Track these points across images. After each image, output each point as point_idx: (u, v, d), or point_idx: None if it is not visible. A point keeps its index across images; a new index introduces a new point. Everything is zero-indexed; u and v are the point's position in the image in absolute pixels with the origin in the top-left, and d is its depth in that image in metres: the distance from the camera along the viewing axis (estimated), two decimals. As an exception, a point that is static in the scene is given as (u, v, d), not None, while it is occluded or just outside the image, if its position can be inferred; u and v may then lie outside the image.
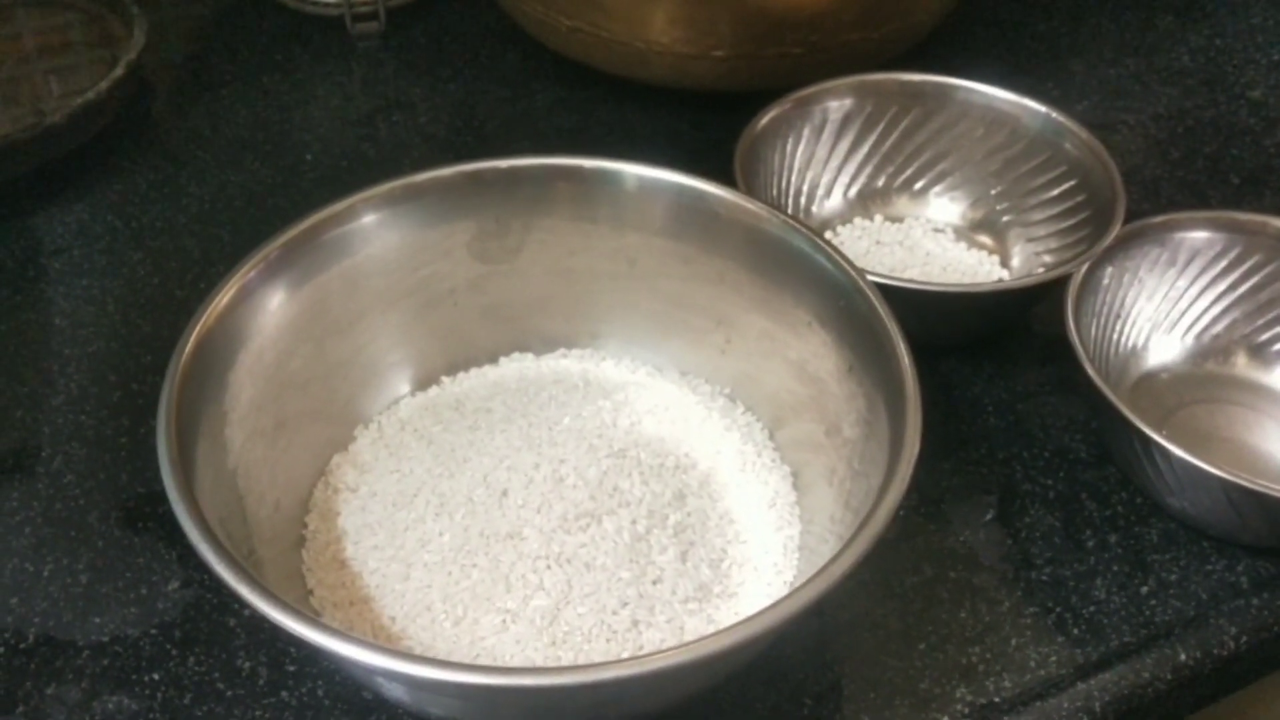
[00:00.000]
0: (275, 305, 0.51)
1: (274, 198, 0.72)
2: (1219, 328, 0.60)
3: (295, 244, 0.51)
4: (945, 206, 0.68)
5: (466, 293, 0.56)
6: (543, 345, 0.58)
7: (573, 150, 0.74)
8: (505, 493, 0.50)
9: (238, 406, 0.48)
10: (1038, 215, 0.65)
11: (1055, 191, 0.64)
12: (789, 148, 0.67)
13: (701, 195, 0.53)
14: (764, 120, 0.65)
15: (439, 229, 0.54)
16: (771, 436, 0.54)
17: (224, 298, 0.48)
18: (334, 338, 0.53)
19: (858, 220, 0.68)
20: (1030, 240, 0.65)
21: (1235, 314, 0.60)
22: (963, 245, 0.67)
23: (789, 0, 0.69)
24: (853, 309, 0.49)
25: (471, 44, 0.85)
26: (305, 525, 0.51)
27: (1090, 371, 0.52)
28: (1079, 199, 0.63)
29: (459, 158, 0.75)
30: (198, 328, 0.46)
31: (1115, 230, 0.58)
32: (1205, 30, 0.86)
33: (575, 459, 0.51)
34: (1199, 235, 0.59)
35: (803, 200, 0.68)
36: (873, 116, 0.67)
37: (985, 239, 0.67)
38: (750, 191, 0.59)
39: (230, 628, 0.50)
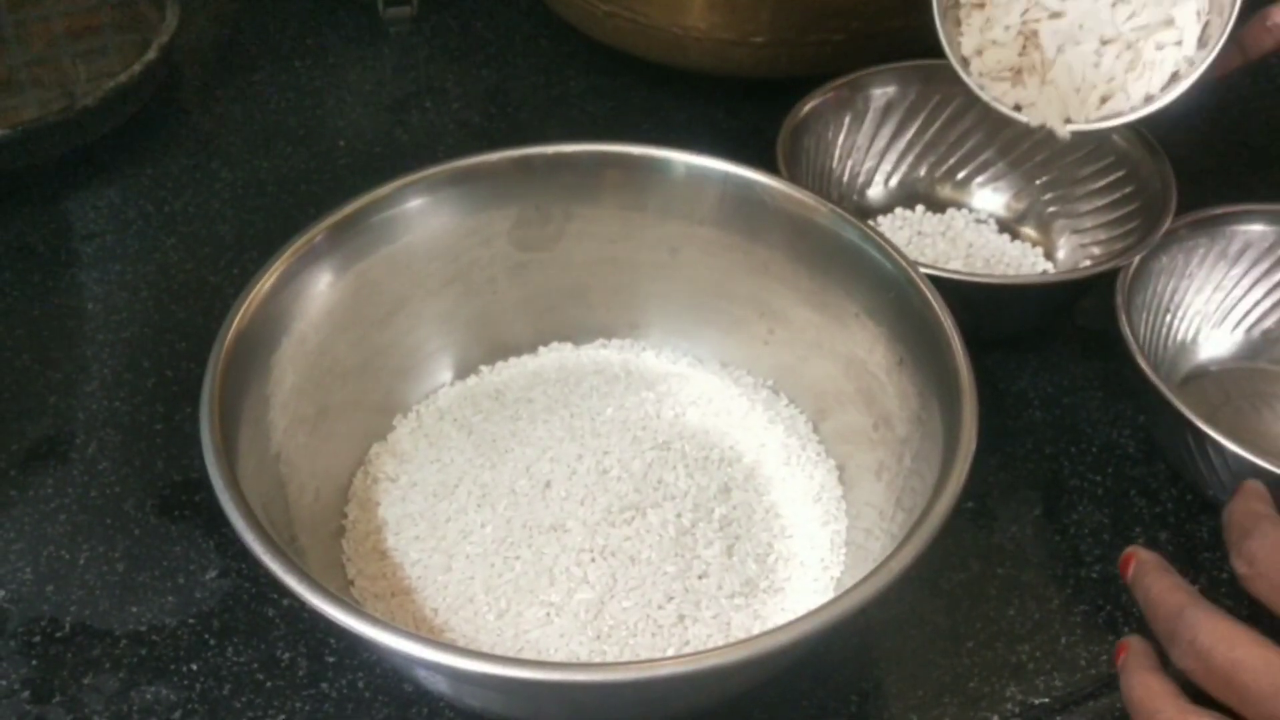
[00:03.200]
0: (319, 290, 0.50)
1: (307, 183, 0.72)
2: (1270, 322, 0.59)
3: (340, 228, 0.50)
4: (989, 197, 0.67)
5: (506, 281, 0.55)
6: (582, 335, 0.57)
7: (609, 138, 0.74)
8: (548, 484, 0.50)
9: (280, 392, 0.48)
10: (1084, 207, 0.64)
11: (1102, 183, 0.63)
12: (830, 136, 0.66)
13: (749, 184, 0.53)
14: (806, 108, 0.64)
15: (480, 216, 0.53)
16: (815, 429, 0.54)
17: (267, 282, 0.47)
18: (375, 324, 0.53)
19: (899, 210, 0.67)
20: (1076, 232, 0.64)
21: (1287, 308, 0.59)
22: (1006, 237, 0.66)
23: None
24: (904, 302, 0.48)
25: (505, 29, 0.84)
26: (345, 515, 0.50)
27: (1143, 365, 0.51)
28: (1127, 190, 0.62)
29: (493, 144, 0.74)
30: (240, 312, 0.46)
31: (1167, 222, 0.57)
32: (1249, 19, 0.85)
33: (619, 451, 0.51)
34: (1252, 228, 0.58)
35: (844, 189, 0.67)
36: (915, 104, 0.66)
37: (1030, 230, 0.66)
38: (792, 180, 0.59)
39: (269, 618, 0.49)
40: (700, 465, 0.51)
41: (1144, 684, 0.40)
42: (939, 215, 0.67)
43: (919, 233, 0.66)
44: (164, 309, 0.63)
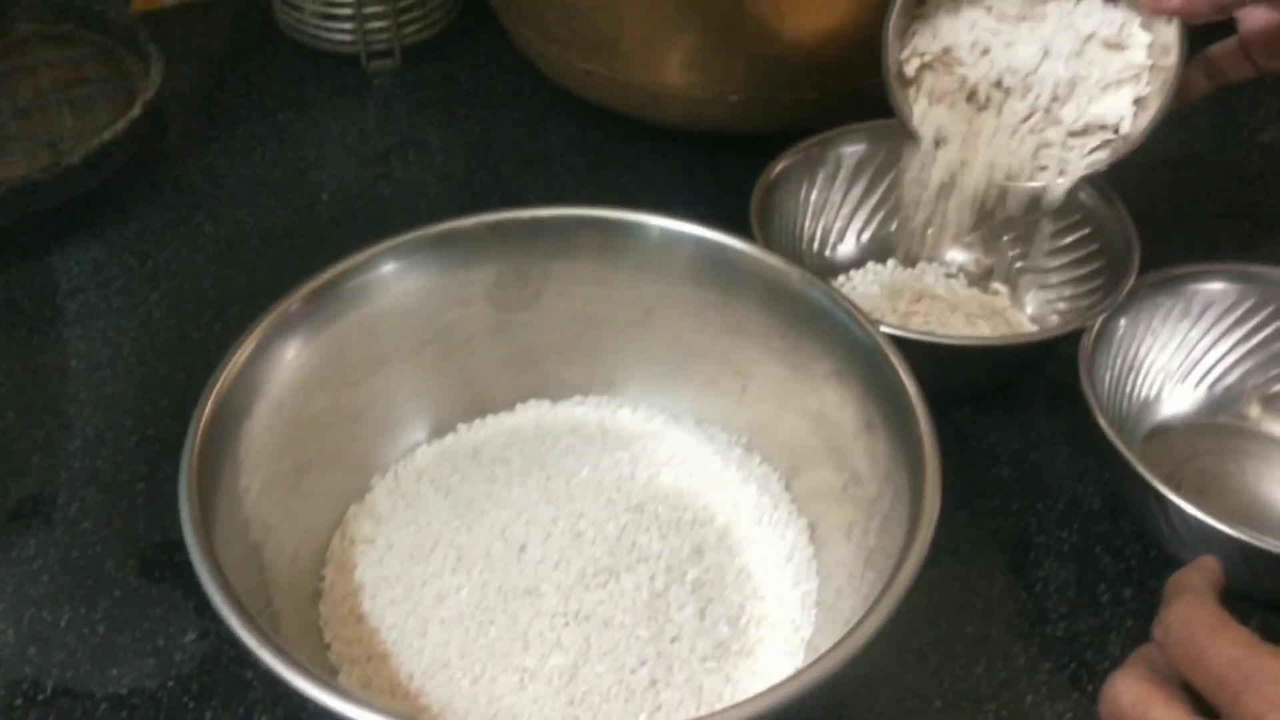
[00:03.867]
0: (293, 355, 0.51)
1: (290, 237, 0.73)
2: (1232, 379, 0.60)
3: (318, 294, 0.51)
4: (958, 252, 0.68)
5: (485, 340, 0.56)
6: (560, 392, 0.58)
7: (588, 191, 0.75)
8: (523, 547, 0.50)
9: (258, 457, 0.48)
10: (1052, 263, 0.65)
11: (1069, 239, 0.64)
12: (803, 194, 0.67)
13: (721, 247, 0.54)
14: (778, 168, 0.65)
15: (458, 277, 0.55)
16: (788, 487, 0.54)
17: (243, 353, 0.48)
18: (352, 386, 0.53)
19: (871, 265, 0.69)
20: (1044, 287, 0.65)
21: (1248, 365, 0.60)
22: (975, 291, 0.67)
23: (805, 46, 0.69)
24: (871, 365, 0.49)
25: (487, 82, 0.85)
26: (322, 577, 0.51)
27: (1105, 427, 0.52)
28: (1093, 248, 0.63)
29: (475, 197, 0.75)
30: (218, 385, 0.46)
31: (1130, 282, 0.58)
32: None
33: (594, 513, 0.52)
34: (1213, 287, 0.59)
35: (816, 245, 0.68)
36: (887, 162, 0.68)
37: (998, 285, 0.67)
38: (765, 237, 0.60)
39: (247, 681, 0.50)
40: (673, 526, 0.52)
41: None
42: (910, 270, 0.68)
43: (890, 287, 0.67)
44: (147, 365, 0.64)
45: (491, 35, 0.85)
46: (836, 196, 0.68)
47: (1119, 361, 0.59)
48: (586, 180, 0.77)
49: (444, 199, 0.76)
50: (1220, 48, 0.59)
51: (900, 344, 0.49)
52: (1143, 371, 0.60)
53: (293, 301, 0.51)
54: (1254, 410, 0.60)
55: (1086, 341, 0.56)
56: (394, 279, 0.54)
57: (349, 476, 0.54)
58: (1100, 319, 0.57)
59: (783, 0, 0.67)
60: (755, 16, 0.68)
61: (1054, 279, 0.65)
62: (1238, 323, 0.60)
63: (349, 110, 0.83)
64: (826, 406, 0.52)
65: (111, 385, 0.63)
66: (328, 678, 0.39)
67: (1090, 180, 0.62)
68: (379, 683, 0.47)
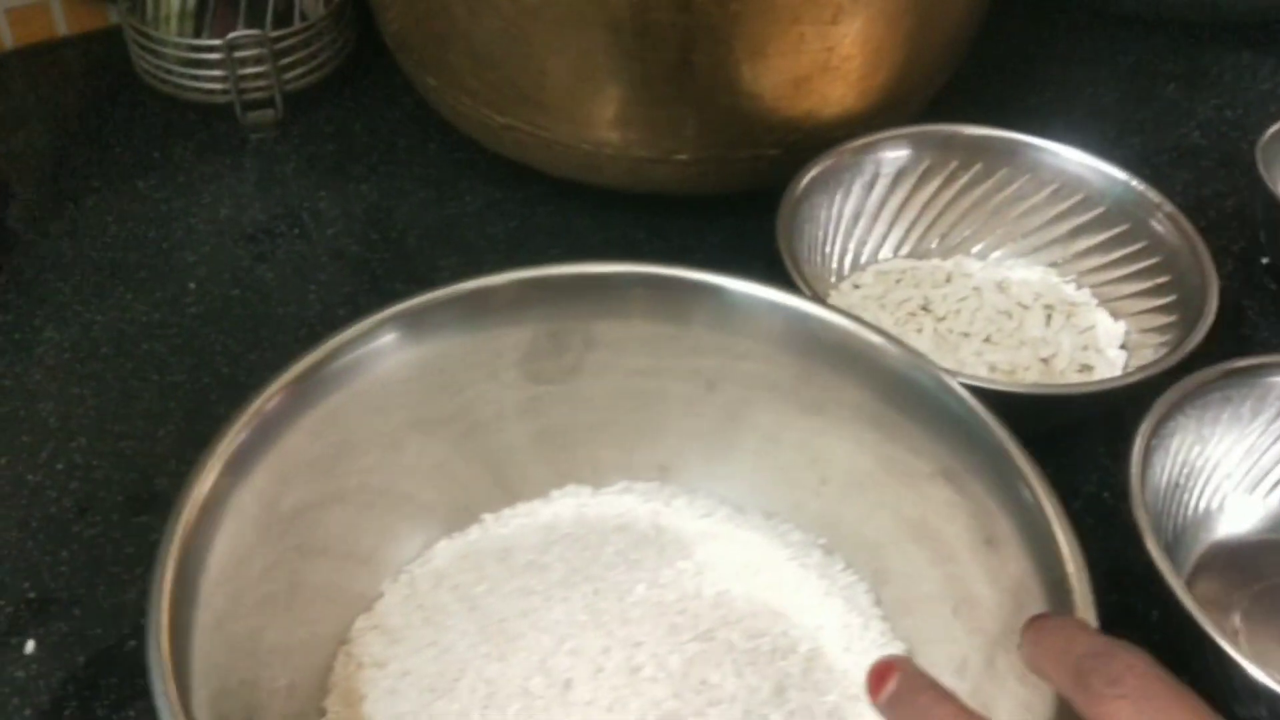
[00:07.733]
0: (291, 441, 0.41)
1: (149, 340, 0.59)
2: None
3: (311, 371, 0.42)
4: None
5: (516, 417, 0.48)
6: (602, 478, 0.50)
7: (513, 264, 0.65)
8: (569, 685, 0.41)
9: (242, 567, 0.39)
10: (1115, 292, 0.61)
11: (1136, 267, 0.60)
12: (836, 203, 0.62)
13: (802, 316, 0.46)
14: (807, 177, 0.59)
15: (485, 345, 0.46)
16: (877, 601, 0.46)
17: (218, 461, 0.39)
18: (353, 474, 0.44)
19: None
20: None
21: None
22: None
23: (765, 98, 0.61)
24: (997, 470, 0.41)
25: (387, 135, 0.73)
26: (324, 710, 0.41)
27: (1155, 555, 0.44)
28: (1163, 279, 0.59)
29: (375, 278, 0.64)
30: (180, 522, 0.37)
31: (1206, 325, 0.53)
32: (1213, 100, 0.80)
33: (654, 643, 0.43)
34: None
35: (849, 260, 0.63)
36: (930, 170, 0.63)
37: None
38: (793, 256, 0.54)
39: None
40: (750, 659, 0.43)
41: None
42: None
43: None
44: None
45: (391, 78, 0.74)
46: (872, 206, 0.63)
47: (1174, 464, 0.52)
48: (508, 251, 0.66)
49: (337, 283, 0.63)
50: None
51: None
52: (1203, 477, 0.53)
53: (285, 382, 0.41)
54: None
55: (1136, 453, 0.48)
56: (402, 347, 0.44)
57: (354, 579, 0.44)
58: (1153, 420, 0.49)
59: (738, 46, 0.59)
60: (706, 65, 0.59)
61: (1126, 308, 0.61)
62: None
63: (223, 173, 0.70)
64: (929, 511, 0.44)
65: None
66: None
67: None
68: None
